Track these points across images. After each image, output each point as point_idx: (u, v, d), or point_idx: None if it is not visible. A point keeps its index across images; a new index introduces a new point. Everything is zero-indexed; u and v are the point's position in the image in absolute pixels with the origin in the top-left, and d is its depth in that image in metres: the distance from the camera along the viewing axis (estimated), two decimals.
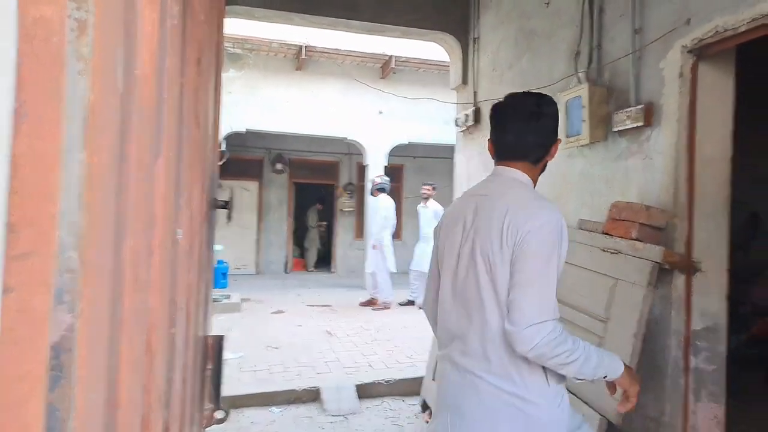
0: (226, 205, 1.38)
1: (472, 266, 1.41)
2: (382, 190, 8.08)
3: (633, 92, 2.29)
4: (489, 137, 1.58)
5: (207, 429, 1.29)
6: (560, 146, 2.44)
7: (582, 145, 2.62)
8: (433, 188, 8.18)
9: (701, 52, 1.97)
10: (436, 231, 1.61)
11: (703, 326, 2.04)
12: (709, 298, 2.05)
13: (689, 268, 1.89)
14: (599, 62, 2.57)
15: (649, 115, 2.19)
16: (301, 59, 9.16)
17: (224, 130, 8.87)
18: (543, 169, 1.55)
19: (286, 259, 12.43)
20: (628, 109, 2.28)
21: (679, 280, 2.04)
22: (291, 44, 8.95)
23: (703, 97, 1.99)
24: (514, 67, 3.48)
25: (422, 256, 8.27)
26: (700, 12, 1.95)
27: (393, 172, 12.23)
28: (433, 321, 1.64)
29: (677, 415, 2.03)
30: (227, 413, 1.27)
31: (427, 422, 3.82)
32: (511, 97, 1.55)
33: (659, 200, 2.14)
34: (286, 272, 12.22)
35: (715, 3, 1.87)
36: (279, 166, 12.16)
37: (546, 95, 1.58)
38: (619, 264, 2.16)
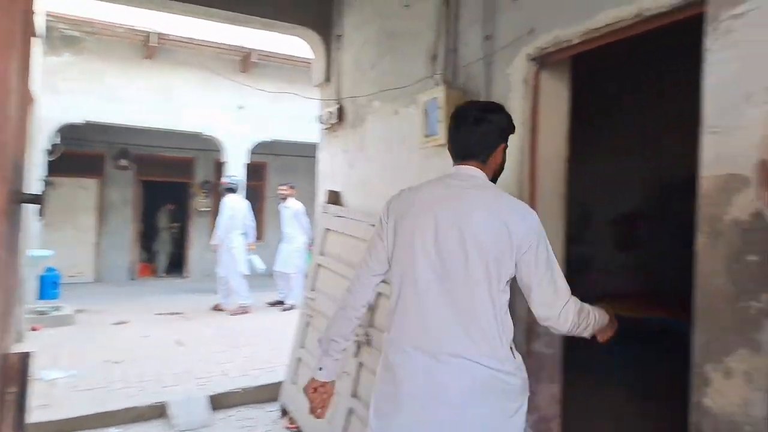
0: (37, 199, 1.18)
1: (461, 260, 1.52)
2: (230, 190, 7.84)
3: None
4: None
5: None
6: (420, 145, 2.56)
7: (439, 145, 2.75)
8: (291, 187, 8.14)
9: (543, 61, 2.17)
10: (386, 222, 1.67)
11: None
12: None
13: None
14: (455, 66, 2.72)
15: None
16: (150, 47, 8.50)
17: (58, 121, 7.91)
18: (497, 170, 1.73)
19: (131, 265, 11.44)
20: None
21: None
22: (139, 30, 8.28)
23: (544, 102, 2.19)
24: (377, 67, 3.56)
25: (286, 256, 8.13)
26: (541, 23, 2.14)
27: (255, 170, 11.84)
28: (358, 303, 1.74)
29: None
30: None
31: (288, 428, 3.73)
32: (462, 106, 1.73)
33: None
34: (131, 279, 11.25)
35: (554, 16, 2.07)
36: (123, 162, 11.14)
37: (493, 103, 1.78)
38: None
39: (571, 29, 1.98)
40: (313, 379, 1.74)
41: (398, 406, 1.57)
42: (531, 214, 1.58)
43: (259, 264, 8.22)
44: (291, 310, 7.65)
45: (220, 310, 7.71)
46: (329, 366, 1.73)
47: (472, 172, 1.65)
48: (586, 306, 1.59)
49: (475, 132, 1.65)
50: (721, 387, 1.47)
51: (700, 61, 1.56)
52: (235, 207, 7.68)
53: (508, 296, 1.59)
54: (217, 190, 10.98)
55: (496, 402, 1.53)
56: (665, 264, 2.35)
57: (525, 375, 1.62)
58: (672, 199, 2.24)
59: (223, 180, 8.15)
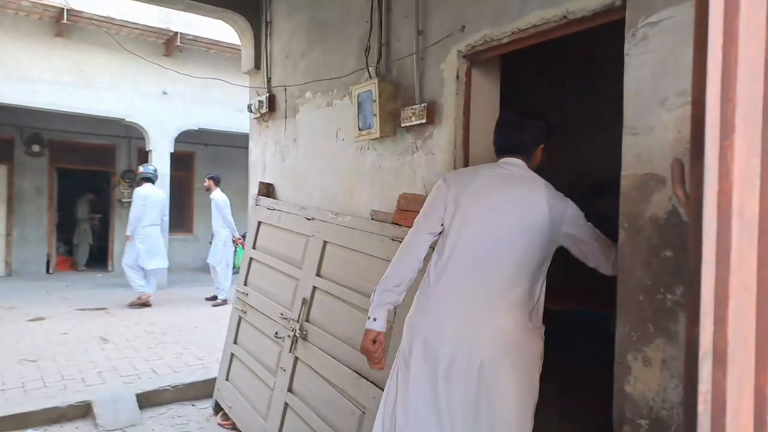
0: None
1: (512, 234, 1.75)
2: (146, 180, 7.70)
3: (417, 91, 2.45)
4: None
5: None
6: (354, 139, 2.59)
7: (373, 139, 2.74)
8: (210, 178, 8.00)
9: (473, 58, 2.19)
10: (446, 192, 1.84)
11: None
12: None
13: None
14: (388, 59, 2.71)
15: (432, 114, 2.37)
16: (62, 24, 7.90)
17: None
18: (539, 165, 1.94)
19: (48, 258, 10.75)
20: (414, 107, 2.43)
21: None
22: (48, 5, 7.68)
23: (476, 99, 2.22)
24: (307, 57, 3.48)
25: (212, 249, 7.96)
26: (472, 21, 2.16)
27: (183, 160, 11.38)
28: (416, 257, 1.84)
29: None
30: None
31: (221, 425, 3.67)
32: (505, 114, 2.01)
33: None
34: (48, 273, 10.58)
35: (484, 15, 2.10)
36: (35, 148, 10.38)
37: (533, 112, 1.97)
38: None
39: (500, 29, 2.02)
40: (369, 331, 1.83)
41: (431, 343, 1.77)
42: (568, 200, 1.83)
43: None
44: (223, 305, 7.53)
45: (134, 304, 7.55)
46: (382, 317, 1.83)
47: (515, 161, 1.88)
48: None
49: (517, 133, 1.91)
50: (641, 374, 1.57)
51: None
52: (149, 197, 7.52)
53: (544, 274, 1.83)
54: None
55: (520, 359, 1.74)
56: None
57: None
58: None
59: (139, 169, 7.95)
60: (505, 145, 1.92)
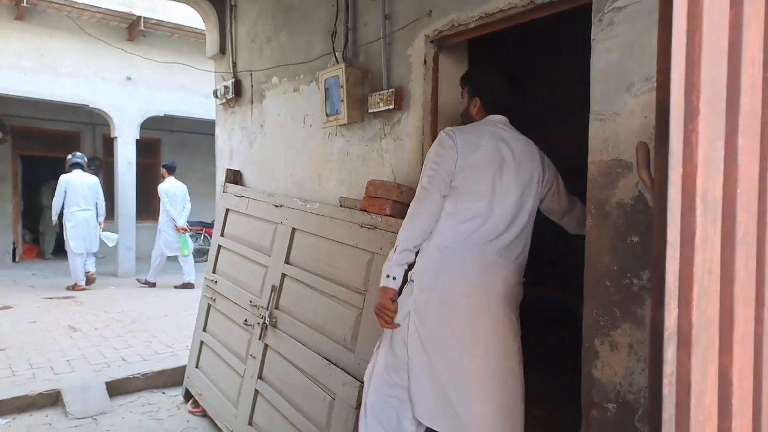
0: None
1: (522, 195, 1.86)
2: (76, 165, 7.87)
3: (385, 76, 2.41)
4: (483, 96, 1.98)
5: None
6: (322, 125, 2.60)
7: (341, 125, 2.69)
8: (164, 167, 8.23)
9: (441, 43, 2.16)
10: (454, 152, 1.84)
11: None
12: None
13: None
14: (354, 44, 2.65)
15: (399, 99, 2.33)
16: (21, 7, 7.59)
17: None
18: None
19: (13, 246, 10.46)
20: (381, 92, 2.39)
21: None
22: None
23: (443, 84, 2.20)
24: (273, 41, 3.40)
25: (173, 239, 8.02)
26: (439, 6, 2.13)
27: (149, 146, 11.14)
28: (432, 217, 1.85)
29: None
30: None
31: (192, 412, 3.64)
32: (507, 75, 2.01)
33: (409, 179, 2.31)
34: (14, 261, 10.30)
35: (450, 0, 2.06)
36: None
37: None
38: (376, 239, 2.29)
39: (467, 13, 1.99)
40: (388, 289, 1.85)
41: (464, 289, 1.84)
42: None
43: (111, 240, 8.32)
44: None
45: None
46: (400, 275, 1.86)
47: (505, 120, 1.97)
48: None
49: (515, 96, 2.02)
50: (608, 359, 1.58)
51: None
52: (72, 182, 7.69)
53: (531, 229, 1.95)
54: (107, 168, 10.27)
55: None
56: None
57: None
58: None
59: (68, 157, 8.01)
60: (505, 104, 1.98)
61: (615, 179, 1.55)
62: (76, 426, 3.43)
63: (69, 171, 7.86)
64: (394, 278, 1.85)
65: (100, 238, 8.02)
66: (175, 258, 8.33)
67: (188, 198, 8.16)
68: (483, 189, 1.83)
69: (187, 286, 8.00)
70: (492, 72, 2.03)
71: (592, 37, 1.59)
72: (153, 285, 8.08)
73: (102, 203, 8.05)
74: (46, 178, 10.92)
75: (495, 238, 1.84)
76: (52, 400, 3.75)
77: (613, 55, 1.54)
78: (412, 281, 1.88)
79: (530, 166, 1.90)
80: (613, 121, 1.55)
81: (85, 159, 8.06)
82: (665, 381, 0.47)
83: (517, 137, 1.93)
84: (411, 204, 1.89)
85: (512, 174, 1.86)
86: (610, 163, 1.56)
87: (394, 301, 1.86)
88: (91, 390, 3.83)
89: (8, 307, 6.39)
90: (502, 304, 1.85)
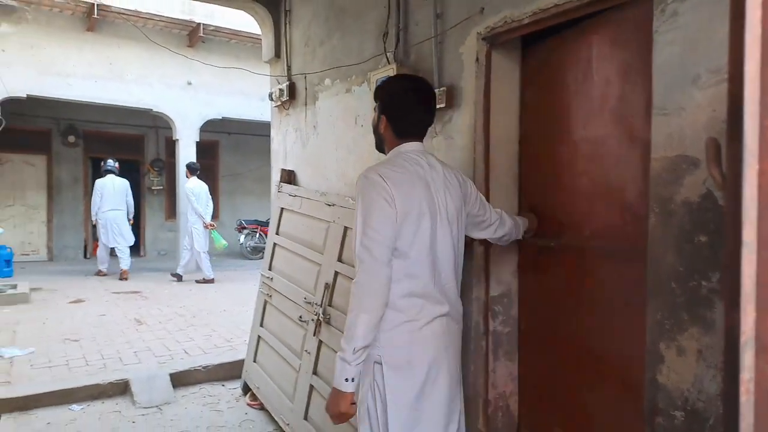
0: None
1: (450, 224, 1.76)
2: (108, 171, 8.74)
3: (436, 75, 2.39)
4: (389, 113, 1.81)
5: None
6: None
7: None
8: (186, 167, 8.69)
9: (493, 40, 2.12)
10: (380, 198, 1.63)
11: (499, 292, 2.25)
12: (503, 267, 2.26)
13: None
14: (406, 44, 2.64)
15: (451, 98, 2.31)
16: (92, 19, 8.05)
17: None
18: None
19: (85, 243, 11.10)
20: None
21: (479, 250, 2.21)
22: (80, 1, 7.82)
23: (495, 81, 2.16)
24: (326, 44, 3.44)
25: (198, 237, 8.49)
26: (491, 3, 2.09)
27: (207, 148, 11.54)
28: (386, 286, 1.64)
29: (480, 374, 2.23)
30: None
31: (250, 405, 3.74)
32: (422, 81, 1.88)
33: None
34: (86, 257, 10.94)
35: None
36: (71, 139, 10.71)
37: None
38: None
39: (520, 9, 1.94)
40: (346, 395, 1.61)
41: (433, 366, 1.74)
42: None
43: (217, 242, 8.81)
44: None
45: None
46: (358, 376, 1.63)
47: (420, 146, 1.83)
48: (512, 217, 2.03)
49: (434, 108, 1.87)
50: (674, 364, 1.51)
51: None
52: (107, 186, 8.58)
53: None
54: (170, 169, 10.71)
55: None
56: None
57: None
58: None
59: (102, 164, 8.91)
60: (421, 125, 1.83)
61: (680, 176, 1.48)
62: (143, 414, 3.60)
63: (103, 176, 8.67)
64: (352, 380, 1.60)
65: (129, 233, 8.90)
66: (225, 255, 8.67)
67: (210, 196, 8.63)
68: (427, 245, 1.69)
69: (208, 281, 8.45)
70: (397, 84, 1.85)
71: (654, 30, 1.52)
72: (180, 278, 8.55)
73: (131, 202, 8.88)
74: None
75: (439, 281, 1.75)
76: (121, 389, 3.94)
77: (677, 47, 1.46)
78: (377, 362, 1.70)
79: (456, 196, 1.79)
80: (678, 116, 1.47)
81: (116, 165, 8.91)
82: (743, 388, 0.45)
83: (436, 166, 1.78)
84: (360, 280, 1.61)
85: (446, 216, 1.75)
86: (675, 159, 1.49)
87: (353, 404, 1.64)
88: (157, 381, 4.00)
89: (81, 301, 6.79)
90: (455, 352, 1.83)
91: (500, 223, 1.96)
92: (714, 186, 1.40)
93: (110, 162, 8.82)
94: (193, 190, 8.32)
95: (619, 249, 1.85)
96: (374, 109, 1.88)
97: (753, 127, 0.48)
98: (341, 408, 1.61)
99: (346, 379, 1.59)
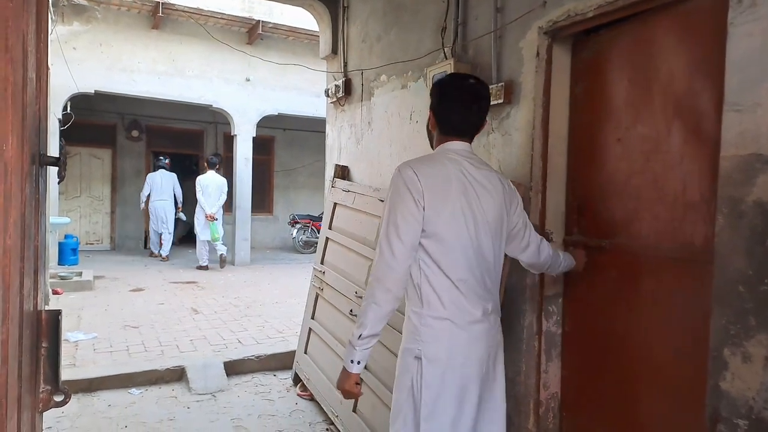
0: (57, 161, 1.19)
1: (490, 227, 1.74)
2: (159, 166, 9.88)
3: (494, 70, 2.37)
4: (436, 111, 1.80)
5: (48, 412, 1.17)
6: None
7: None
8: (206, 161, 9.43)
9: (555, 35, 2.09)
10: (408, 195, 1.65)
11: (554, 292, 2.21)
12: None
13: (543, 238, 2.01)
14: (464, 39, 2.63)
15: (509, 93, 2.28)
16: (157, 17, 8.38)
17: (68, 90, 7.88)
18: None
19: (146, 234, 11.57)
20: (490, 86, 2.35)
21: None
22: (146, 0, 8.17)
23: (556, 77, 2.12)
24: (383, 40, 3.46)
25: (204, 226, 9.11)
26: None
27: (264, 143, 11.81)
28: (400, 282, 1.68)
29: (532, 375, 2.20)
30: (68, 395, 1.15)
31: (300, 395, 3.81)
32: (472, 78, 1.80)
33: (517, 174, 2.26)
34: (146, 248, 11.39)
35: None
36: (135, 133, 11.19)
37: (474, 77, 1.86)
38: None
39: (584, 2, 1.89)
40: (352, 375, 1.71)
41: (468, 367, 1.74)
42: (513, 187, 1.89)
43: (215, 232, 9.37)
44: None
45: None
46: (365, 360, 1.72)
47: (468, 147, 1.80)
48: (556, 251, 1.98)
49: (484, 110, 1.80)
50: (739, 371, 1.45)
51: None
52: (156, 179, 9.75)
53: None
54: (228, 163, 11.04)
55: None
56: None
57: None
58: None
59: (156, 161, 10.08)
60: (466, 125, 1.78)
61: (753, 176, 1.41)
62: (197, 401, 3.72)
63: (155, 170, 9.93)
64: (358, 362, 1.68)
65: (177, 221, 10.10)
66: (278, 249, 8.90)
67: (225, 190, 9.14)
68: (467, 244, 1.69)
69: (202, 268, 9.00)
70: (448, 83, 1.81)
71: (729, 22, 1.45)
72: (206, 268, 9.04)
73: (179, 193, 10.03)
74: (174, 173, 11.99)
75: (483, 291, 1.74)
76: (178, 375, 4.08)
77: (756, 39, 1.40)
78: (417, 356, 1.71)
79: (497, 202, 1.75)
80: (753, 113, 1.41)
81: (167, 161, 10.00)
82: None
83: (481, 168, 1.76)
84: (376, 272, 1.65)
85: (485, 219, 1.72)
86: (748, 158, 1.42)
87: (358, 384, 1.73)
88: (211, 369, 4.12)
89: (141, 290, 7.08)
90: (498, 356, 1.84)
91: (538, 249, 1.89)
92: None
93: (162, 159, 9.96)
94: (200, 182, 8.96)
95: (674, 251, 1.78)
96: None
97: None
98: (346, 386, 1.72)
99: (352, 361, 1.69)
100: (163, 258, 9.68)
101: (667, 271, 1.82)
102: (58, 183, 3.05)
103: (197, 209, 9.04)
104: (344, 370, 1.72)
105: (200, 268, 8.94)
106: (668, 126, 1.78)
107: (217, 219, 9.06)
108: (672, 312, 1.80)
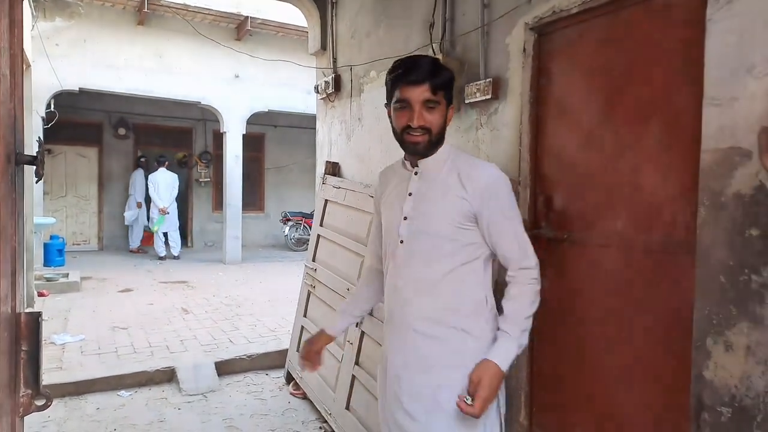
0: (34, 160, 1.18)
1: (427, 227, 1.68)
2: (160, 164, 10.27)
3: (482, 66, 2.39)
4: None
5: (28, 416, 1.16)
6: None
7: None
8: (156, 160, 10.36)
9: (541, 31, 2.11)
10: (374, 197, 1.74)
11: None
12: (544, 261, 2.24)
13: (533, 233, 2.03)
14: (452, 34, 2.65)
15: (497, 89, 2.31)
16: (143, 13, 8.31)
17: (51, 87, 7.81)
18: None
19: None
20: (478, 82, 2.38)
21: None
22: None
23: (543, 73, 2.14)
24: (372, 36, 3.48)
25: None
26: None
27: (254, 141, 11.77)
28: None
29: (523, 368, 2.22)
30: (49, 399, 1.14)
31: (293, 394, 3.82)
32: (424, 58, 1.68)
33: (506, 169, 2.27)
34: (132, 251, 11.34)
35: None
36: (122, 131, 11.10)
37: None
38: None
39: None
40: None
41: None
42: None
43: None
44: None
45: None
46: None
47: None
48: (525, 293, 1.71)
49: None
50: (722, 360, 1.48)
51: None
52: (156, 181, 10.03)
53: None
54: (217, 161, 11.01)
55: None
56: None
57: None
58: None
59: (157, 160, 10.34)
60: None
61: (732, 168, 1.44)
62: (188, 401, 3.71)
63: (146, 170, 10.57)
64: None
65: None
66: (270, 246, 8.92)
67: (175, 186, 10.11)
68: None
69: (138, 250, 10.61)
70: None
71: (707, 18, 1.48)
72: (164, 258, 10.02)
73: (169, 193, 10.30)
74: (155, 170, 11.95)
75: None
76: (168, 376, 4.06)
77: (732, 35, 1.43)
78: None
79: (450, 199, 1.66)
80: (731, 107, 1.44)
81: (166, 161, 10.42)
82: None
83: (443, 169, 1.73)
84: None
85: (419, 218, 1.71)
86: (727, 152, 1.46)
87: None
88: (202, 369, 4.12)
89: (130, 290, 7.05)
90: None
91: (513, 281, 1.66)
92: (766, 177, 1.37)
93: (162, 159, 10.37)
94: (152, 180, 9.93)
95: (653, 243, 1.78)
96: (438, 100, 1.80)
97: None
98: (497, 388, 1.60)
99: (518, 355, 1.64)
100: (176, 257, 10.08)
101: (646, 263, 1.82)
102: (36, 182, 3.02)
103: (151, 205, 9.98)
104: (501, 372, 1.56)
105: (161, 259, 9.83)
106: (646, 120, 1.80)
107: (168, 213, 9.80)
108: (649, 303, 1.81)
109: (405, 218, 1.69)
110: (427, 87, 1.58)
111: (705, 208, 1.52)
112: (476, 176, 1.64)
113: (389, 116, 1.71)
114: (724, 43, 1.45)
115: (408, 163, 1.76)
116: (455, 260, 1.63)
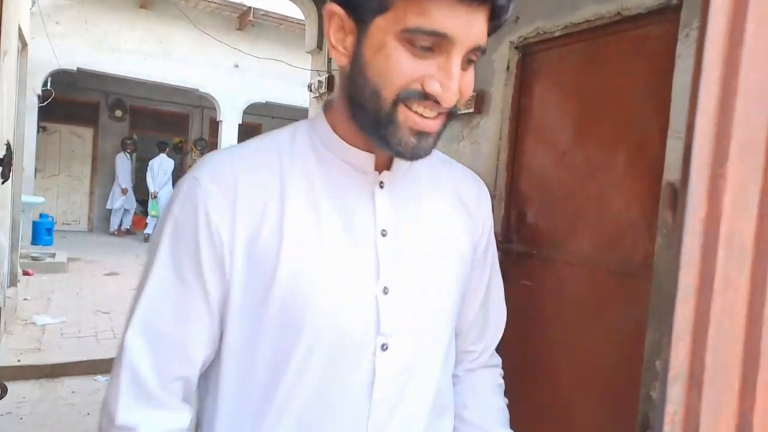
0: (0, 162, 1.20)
1: None
2: (161, 150, 10.41)
3: None
4: None
5: None
6: None
7: None
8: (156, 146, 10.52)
9: (525, 50, 2.17)
10: None
11: None
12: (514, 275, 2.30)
13: (504, 246, 2.09)
14: None
15: (480, 103, 2.36)
16: None
17: (49, 66, 7.77)
18: None
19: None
20: None
21: None
22: None
23: (525, 91, 2.20)
24: None
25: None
26: (526, 13, 2.13)
27: (250, 131, 11.77)
28: None
29: None
30: (4, 389, 1.18)
31: None
32: None
33: (485, 182, 2.33)
34: (112, 232, 11.32)
35: (537, 8, 2.06)
36: (118, 113, 11.06)
37: None
38: None
39: (553, 21, 1.98)
40: None
41: None
42: None
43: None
44: None
45: None
46: None
47: None
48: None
49: None
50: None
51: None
52: (157, 166, 10.20)
53: None
54: (213, 148, 11.01)
55: None
56: None
57: None
58: None
59: (158, 146, 10.48)
60: None
61: None
62: None
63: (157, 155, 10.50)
64: None
65: None
66: None
67: (168, 171, 10.20)
68: None
69: (118, 232, 10.67)
70: None
71: (676, 54, 1.55)
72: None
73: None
74: (156, 155, 11.92)
75: None
76: None
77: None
78: None
79: None
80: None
81: (167, 147, 10.59)
82: (666, 419, 0.51)
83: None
84: None
85: None
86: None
87: None
88: None
89: (116, 274, 6.99)
90: None
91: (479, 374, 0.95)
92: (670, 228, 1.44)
93: (163, 144, 10.50)
94: (151, 165, 10.16)
95: (614, 264, 1.84)
96: None
97: (701, 177, 0.52)
98: None
99: None
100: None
101: (607, 283, 1.88)
102: (2, 183, 3.00)
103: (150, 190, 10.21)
104: None
105: (146, 241, 9.91)
106: (616, 145, 1.86)
107: (158, 197, 9.93)
108: (609, 322, 1.87)
109: (385, 291, 0.74)
110: (486, 18, 0.66)
111: (662, 236, 1.59)
112: (476, 192, 0.92)
113: (353, 53, 0.70)
114: (689, 79, 1.51)
115: (352, 156, 0.77)
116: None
